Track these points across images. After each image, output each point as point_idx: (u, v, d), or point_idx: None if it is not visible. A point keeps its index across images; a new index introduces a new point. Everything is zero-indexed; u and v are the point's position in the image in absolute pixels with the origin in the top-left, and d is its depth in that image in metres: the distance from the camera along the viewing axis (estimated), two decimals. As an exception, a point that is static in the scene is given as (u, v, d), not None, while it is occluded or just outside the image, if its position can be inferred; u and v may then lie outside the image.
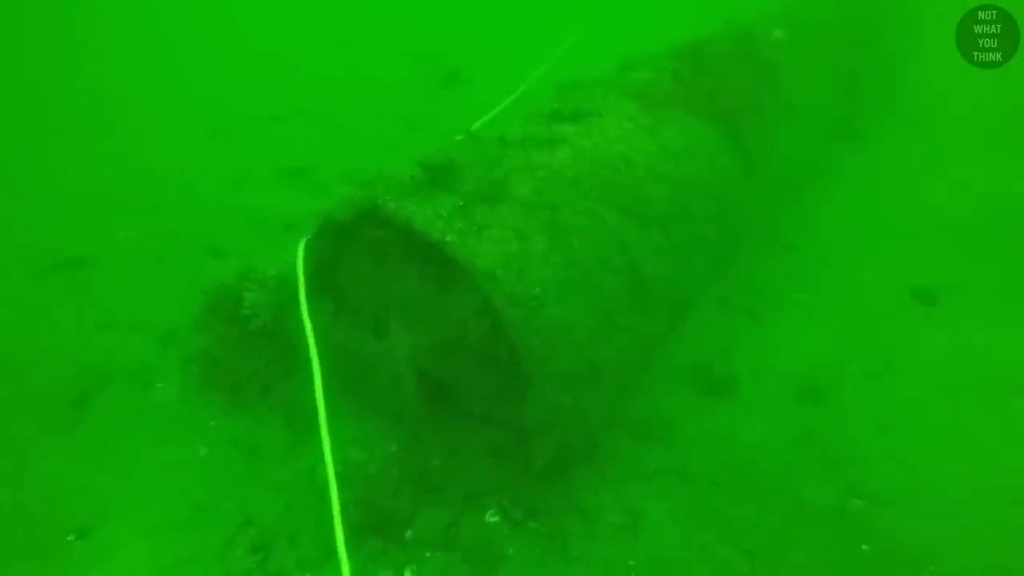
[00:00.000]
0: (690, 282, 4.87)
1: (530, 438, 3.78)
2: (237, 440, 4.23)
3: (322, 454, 4.11)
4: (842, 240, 6.81)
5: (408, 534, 3.67)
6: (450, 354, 3.91)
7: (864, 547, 3.73)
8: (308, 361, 4.48)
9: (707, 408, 4.61)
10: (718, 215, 5.21)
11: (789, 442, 4.40)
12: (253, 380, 4.55)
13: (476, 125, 7.29)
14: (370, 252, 4.12)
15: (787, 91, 6.65)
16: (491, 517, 3.82)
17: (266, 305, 4.60)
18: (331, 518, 3.74)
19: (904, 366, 5.12)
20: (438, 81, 9.09)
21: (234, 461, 4.10)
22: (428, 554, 3.58)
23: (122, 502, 3.81)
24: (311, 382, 4.44)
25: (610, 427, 4.28)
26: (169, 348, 4.86)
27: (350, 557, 3.02)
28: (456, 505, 3.81)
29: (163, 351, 4.84)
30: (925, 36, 10.43)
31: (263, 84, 8.87)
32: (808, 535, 3.79)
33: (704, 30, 8.04)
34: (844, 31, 9.18)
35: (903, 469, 4.21)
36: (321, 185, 6.73)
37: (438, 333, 3.88)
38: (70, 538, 3.61)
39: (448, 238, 3.46)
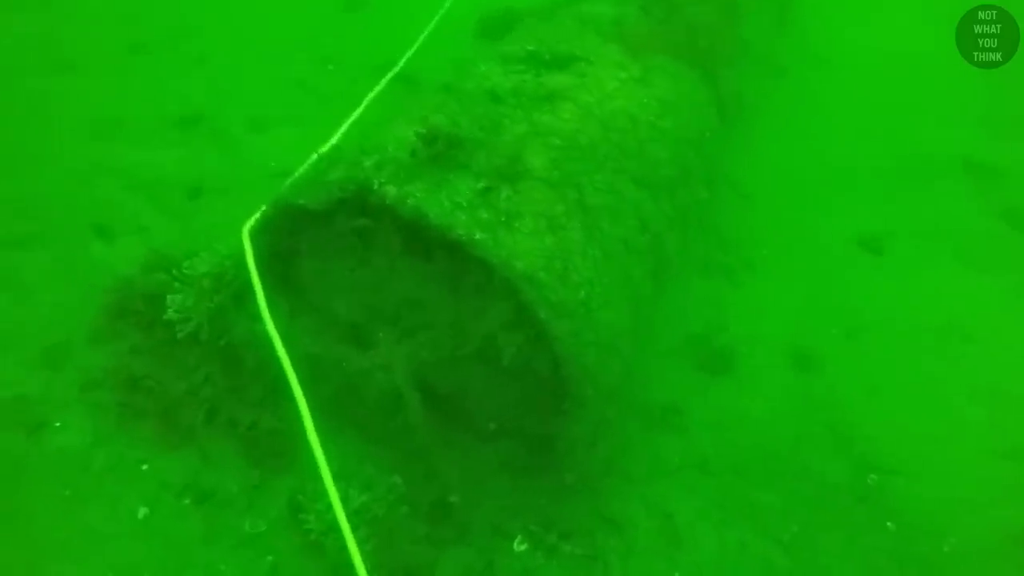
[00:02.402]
0: (689, 250, 4.51)
1: (558, 452, 3.30)
2: (185, 487, 3.34)
3: (302, 492, 3.39)
4: (785, 187, 6.74)
5: (434, 584, 3.12)
6: (464, 368, 3.26)
7: (889, 524, 3.74)
8: (264, 377, 3.63)
9: (711, 388, 4.37)
10: (707, 173, 4.84)
11: (795, 417, 4.29)
12: (192, 403, 3.60)
13: (404, 59, 6.27)
14: (347, 245, 3.26)
15: (743, 30, 6.28)
16: (519, 546, 3.35)
17: (199, 307, 3.59)
18: (334, 577, 3.09)
19: (873, 322, 5.18)
20: (339, 4, 7.69)
21: (187, 517, 3.23)
22: (462, 604, 3.06)
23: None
24: (272, 402, 3.62)
25: (628, 421, 3.91)
26: (60, 370, 3.70)
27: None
28: (483, 539, 3.28)
29: (52, 375, 3.68)
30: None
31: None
32: (836, 518, 3.73)
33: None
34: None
35: (899, 435, 4.26)
36: (224, 135, 5.43)
37: (448, 345, 3.19)
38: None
39: (477, 235, 2.74)
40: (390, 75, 5.85)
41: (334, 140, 4.60)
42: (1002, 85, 8.50)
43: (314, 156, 4.17)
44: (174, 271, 3.62)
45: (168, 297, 3.58)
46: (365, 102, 5.18)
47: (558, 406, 3.11)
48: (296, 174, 4.00)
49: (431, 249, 3.00)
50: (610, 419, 3.16)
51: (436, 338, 3.19)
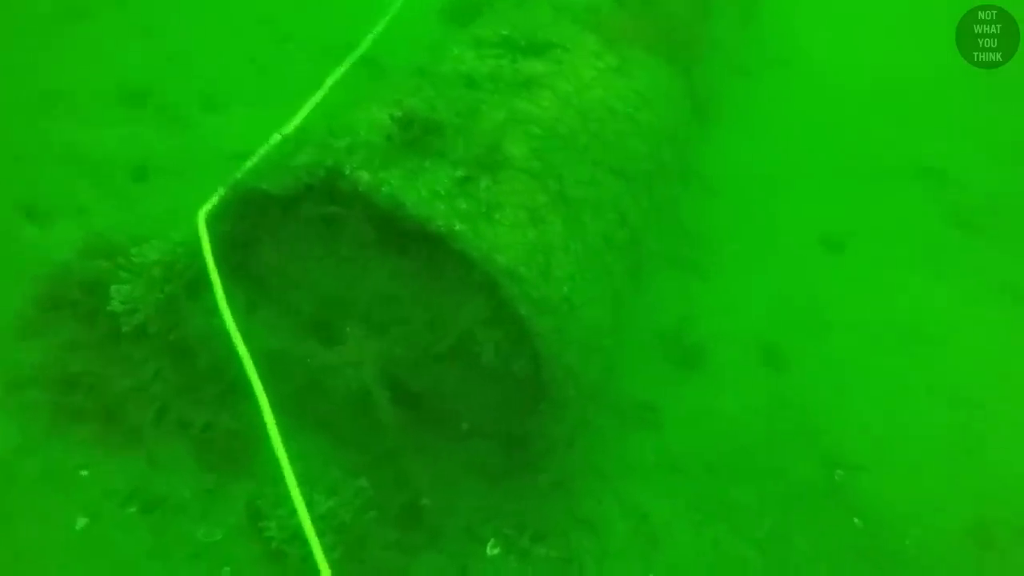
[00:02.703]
0: (661, 244, 4.46)
1: (533, 452, 3.19)
2: (131, 494, 3.07)
3: (261, 498, 3.17)
4: (750, 183, 6.78)
5: (404, 593, 2.97)
6: (438, 366, 3.10)
7: (856, 521, 3.78)
8: (220, 374, 3.39)
9: (684, 384, 4.33)
10: (681, 168, 4.79)
11: (765, 415, 4.30)
12: (139, 402, 3.32)
13: (367, 41, 6.00)
14: (313, 234, 3.05)
15: (714, 27, 6.27)
16: (492, 549, 3.22)
17: (147, 298, 3.31)
18: (299, 588, 2.90)
19: (836, 321, 5.25)
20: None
21: (133, 527, 2.97)
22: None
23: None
24: (229, 401, 3.39)
25: (603, 419, 3.83)
26: (-14, 366, 3.36)
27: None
28: (455, 544, 3.14)
29: (-24, 371, 3.34)
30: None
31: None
32: (806, 516, 3.75)
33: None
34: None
35: (863, 432, 4.32)
36: (174, 113, 5.04)
37: (422, 341, 3.02)
38: None
39: (457, 227, 2.58)
40: (354, 56, 5.58)
41: (297, 121, 4.34)
42: (954, 92, 8.81)
43: (276, 137, 3.92)
44: (120, 259, 3.32)
45: (113, 287, 3.29)
46: (328, 83, 4.91)
47: (535, 406, 2.99)
48: (257, 156, 3.75)
49: (406, 240, 2.82)
50: (588, 418, 3.06)
51: (410, 334, 3.02)
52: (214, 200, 3.29)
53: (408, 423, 3.19)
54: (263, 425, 3.06)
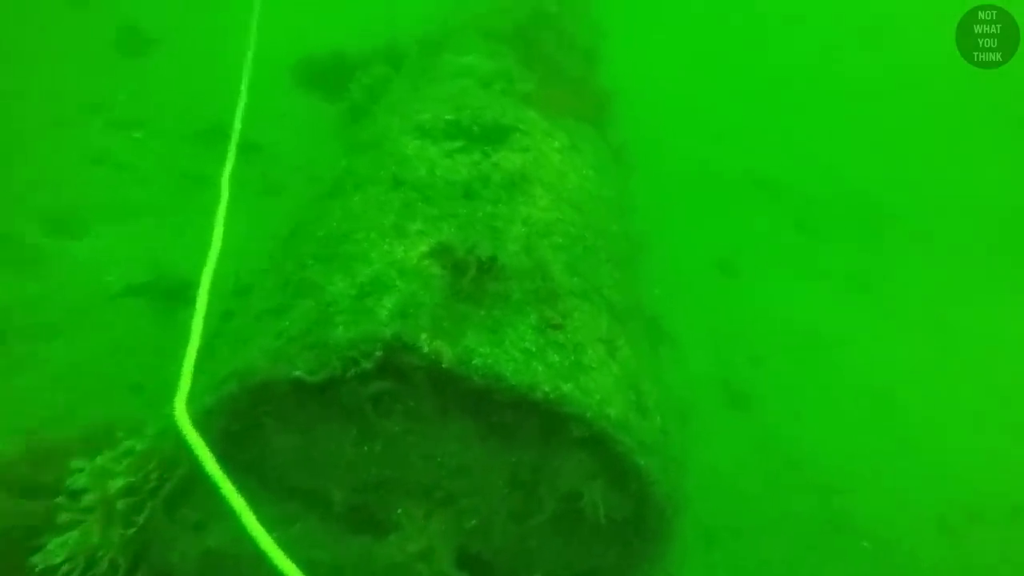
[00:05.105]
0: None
1: None
2: None
3: None
4: (650, 218, 7.02)
5: None
6: (517, 529, 2.69)
7: (866, 544, 4.09)
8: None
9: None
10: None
11: (752, 460, 4.50)
12: None
13: (237, 122, 5.15)
14: (347, 416, 2.47)
15: (602, 72, 6.43)
16: None
17: (109, 538, 2.44)
18: None
19: (765, 347, 5.69)
20: (117, 45, 6.08)
21: None
22: None
23: None
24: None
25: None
26: None
27: None
28: None
29: None
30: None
31: None
32: (832, 558, 3.96)
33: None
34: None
35: (831, 453, 4.72)
36: (17, 246, 3.82)
37: (503, 510, 2.61)
38: None
39: (565, 388, 2.25)
40: (234, 143, 4.74)
41: (217, 240, 3.53)
42: (783, 104, 10.02)
43: (205, 279, 3.17)
44: (60, 499, 2.40)
45: (54, 542, 2.35)
46: (224, 184, 4.10)
47: (622, 540, 2.76)
48: (200, 302, 2.99)
49: (477, 407, 2.39)
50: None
51: (487, 503, 2.59)
52: (186, 386, 2.53)
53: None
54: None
